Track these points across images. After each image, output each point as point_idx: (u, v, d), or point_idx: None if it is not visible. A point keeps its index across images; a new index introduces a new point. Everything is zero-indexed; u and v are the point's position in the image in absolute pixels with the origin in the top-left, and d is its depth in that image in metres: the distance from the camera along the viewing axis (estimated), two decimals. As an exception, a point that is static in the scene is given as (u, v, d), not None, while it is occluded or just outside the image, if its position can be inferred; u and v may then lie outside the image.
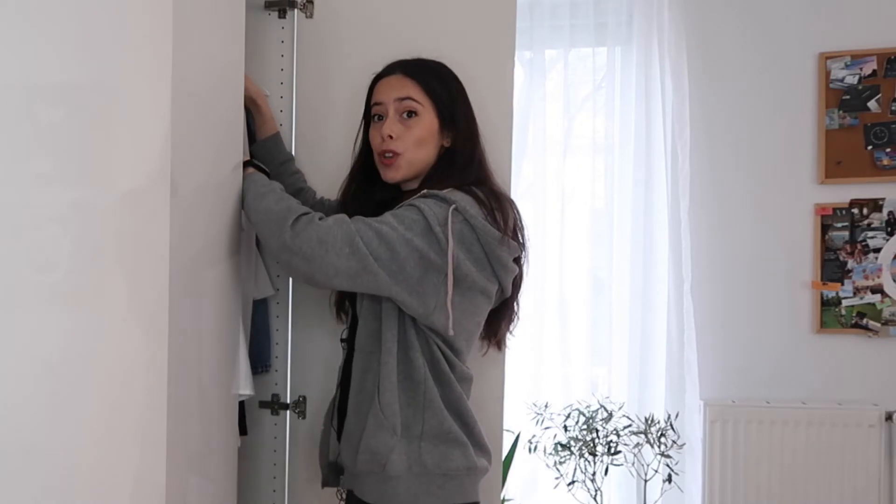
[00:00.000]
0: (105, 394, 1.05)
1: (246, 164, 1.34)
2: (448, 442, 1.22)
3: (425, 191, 1.23)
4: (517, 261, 1.31)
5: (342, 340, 1.41)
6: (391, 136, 1.30)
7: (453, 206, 1.19)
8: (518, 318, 1.43)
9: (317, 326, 1.62)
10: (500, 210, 1.24)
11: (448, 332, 1.20)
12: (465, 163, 1.31)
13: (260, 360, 1.60)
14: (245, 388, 1.38)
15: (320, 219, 1.19)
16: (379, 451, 1.20)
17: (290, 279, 1.63)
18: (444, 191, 1.22)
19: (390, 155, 1.30)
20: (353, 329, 1.34)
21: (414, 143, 1.30)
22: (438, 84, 1.32)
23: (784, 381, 2.61)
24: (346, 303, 1.42)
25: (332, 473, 1.38)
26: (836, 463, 2.50)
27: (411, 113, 1.30)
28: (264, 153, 1.53)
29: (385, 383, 1.21)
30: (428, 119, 1.30)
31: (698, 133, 2.65)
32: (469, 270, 1.20)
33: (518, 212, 1.32)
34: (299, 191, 1.55)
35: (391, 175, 1.32)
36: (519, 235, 1.31)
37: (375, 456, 1.20)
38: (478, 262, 1.22)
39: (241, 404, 1.53)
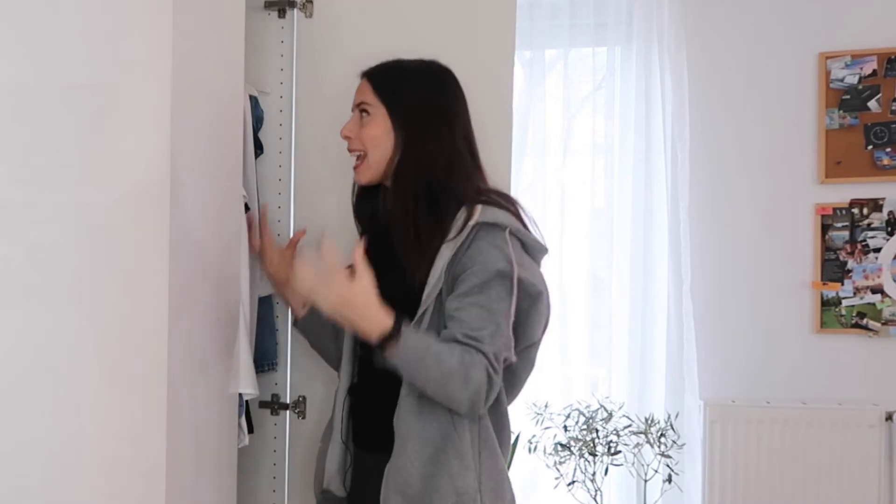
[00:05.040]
0: (104, 393, 1.05)
1: (394, 335, 1.12)
2: (502, 479, 1.23)
3: (473, 223, 1.16)
4: None
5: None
6: (348, 137, 1.28)
7: (507, 229, 1.16)
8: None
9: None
10: (524, 213, 1.24)
11: (512, 356, 1.17)
12: (427, 162, 1.23)
13: (266, 357, 1.60)
14: (248, 388, 1.38)
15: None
16: (467, 493, 1.16)
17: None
18: (478, 211, 1.17)
19: (357, 154, 1.28)
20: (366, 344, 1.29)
21: (369, 141, 1.26)
22: (391, 83, 1.28)
23: (784, 381, 2.61)
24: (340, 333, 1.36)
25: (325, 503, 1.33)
26: (836, 463, 2.49)
27: (364, 112, 1.27)
28: (316, 320, 1.43)
29: (460, 427, 1.18)
30: (378, 118, 1.26)
31: (698, 133, 2.64)
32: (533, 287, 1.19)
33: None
34: None
35: (357, 178, 1.30)
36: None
37: (462, 497, 1.16)
38: (534, 274, 1.20)
39: (247, 403, 1.53)
